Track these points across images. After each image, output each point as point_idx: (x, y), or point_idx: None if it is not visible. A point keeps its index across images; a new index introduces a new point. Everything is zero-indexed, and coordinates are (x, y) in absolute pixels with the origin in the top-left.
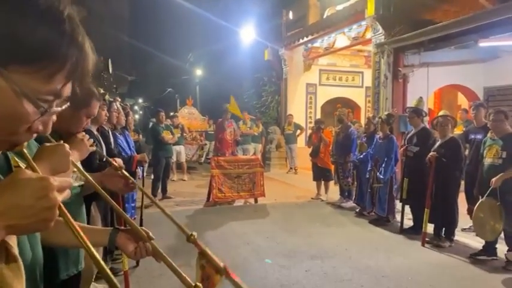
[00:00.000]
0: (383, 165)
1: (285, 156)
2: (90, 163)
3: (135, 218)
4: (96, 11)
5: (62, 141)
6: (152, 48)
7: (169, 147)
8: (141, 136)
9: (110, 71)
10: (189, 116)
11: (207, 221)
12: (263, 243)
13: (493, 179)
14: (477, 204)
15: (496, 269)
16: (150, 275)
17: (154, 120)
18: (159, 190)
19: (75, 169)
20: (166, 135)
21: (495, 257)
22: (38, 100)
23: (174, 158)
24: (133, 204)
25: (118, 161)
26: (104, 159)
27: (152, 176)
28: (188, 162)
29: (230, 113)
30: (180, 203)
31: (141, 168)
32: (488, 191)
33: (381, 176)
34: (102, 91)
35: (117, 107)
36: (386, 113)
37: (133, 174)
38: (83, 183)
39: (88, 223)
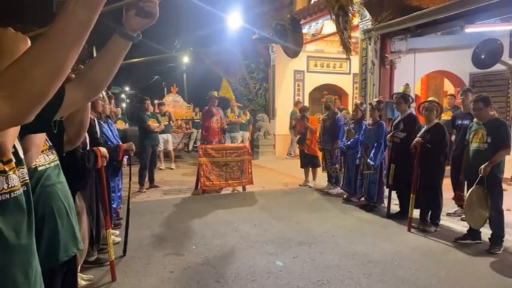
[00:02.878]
0: (373, 151)
1: (273, 143)
2: (73, 151)
3: (120, 207)
4: None
5: None
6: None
7: (155, 136)
8: (127, 124)
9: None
10: (173, 103)
11: (195, 209)
12: (251, 231)
13: (482, 167)
14: (467, 194)
15: (481, 252)
16: (137, 264)
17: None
18: (146, 179)
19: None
20: (152, 124)
21: (479, 241)
22: None
23: (161, 147)
24: (119, 194)
25: (102, 150)
26: (87, 148)
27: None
28: (174, 151)
29: (217, 101)
30: (167, 192)
31: (127, 157)
32: (477, 179)
33: (372, 162)
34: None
35: (103, 96)
36: (376, 99)
37: (119, 163)
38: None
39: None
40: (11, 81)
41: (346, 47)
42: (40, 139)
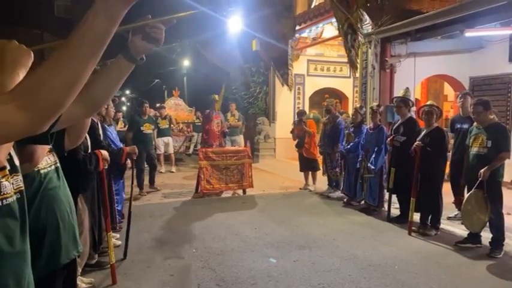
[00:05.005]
0: (373, 156)
1: (273, 147)
2: (75, 154)
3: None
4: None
5: None
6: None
7: (148, 140)
8: (127, 127)
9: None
10: (175, 107)
11: (195, 212)
12: (251, 234)
13: (481, 171)
14: (465, 198)
15: (481, 256)
16: (137, 268)
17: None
18: (146, 182)
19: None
20: (146, 128)
21: (479, 245)
22: None
23: (162, 150)
24: (118, 197)
25: (103, 153)
26: (89, 151)
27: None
28: (175, 154)
29: (218, 104)
30: (168, 195)
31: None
32: (477, 183)
33: (372, 167)
34: None
35: None
36: (376, 103)
37: (122, 166)
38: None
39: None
40: (28, 91)
41: (353, 65)
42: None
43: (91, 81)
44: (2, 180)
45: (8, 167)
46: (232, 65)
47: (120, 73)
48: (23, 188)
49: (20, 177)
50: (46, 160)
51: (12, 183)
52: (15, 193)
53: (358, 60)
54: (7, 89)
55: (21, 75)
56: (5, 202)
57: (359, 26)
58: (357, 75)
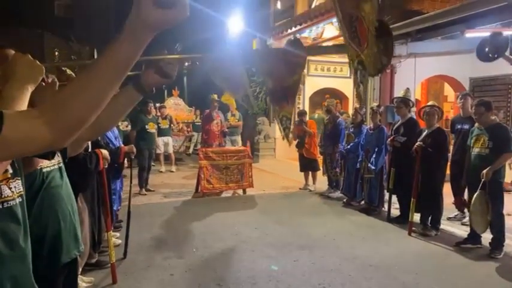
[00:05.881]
0: (374, 156)
1: (273, 147)
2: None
3: (119, 209)
4: None
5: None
6: None
7: (151, 139)
8: (129, 126)
9: None
10: (175, 107)
11: (195, 212)
12: (251, 234)
13: (484, 172)
14: (473, 199)
15: (481, 256)
16: (137, 267)
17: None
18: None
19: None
20: (151, 127)
21: (480, 245)
22: None
23: (162, 149)
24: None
25: (103, 152)
26: (89, 150)
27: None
28: (175, 153)
29: (218, 104)
30: (168, 195)
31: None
32: (480, 185)
33: (373, 167)
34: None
35: None
36: (376, 103)
37: (120, 165)
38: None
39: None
40: (54, 108)
41: (360, 98)
42: None
43: None
44: (1, 183)
45: (11, 171)
46: (239, 91)
47: (128, 102)
48: (23, 193)
49: (22, 181)
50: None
51: (15, 187)
52: (17, 196)
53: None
54: (14, 101)
55: (30, 89)
56: (5, 205)
57: (369, 62)
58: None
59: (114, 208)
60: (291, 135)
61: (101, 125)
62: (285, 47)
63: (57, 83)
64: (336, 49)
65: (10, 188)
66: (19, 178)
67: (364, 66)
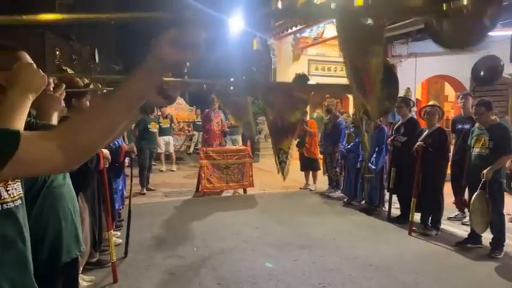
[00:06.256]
0: (374, 156)
1: None
2: None
3: (122, 208)
4: None
5: (35, 113)
6: (140, 37)
7: (153, 138)
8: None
9: (97, 60)
10: (176, 106)
11: (196, 211)
12: (252, 234)
13: (484, 172)
14: (472, 199)
15: (481, 256)
16: (138, 266)
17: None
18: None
19: None
20: (153, 127)
21: (480, 245)
22: None
23: (162, 149)
24: (120, 195)
25: (104, 152)
26: None
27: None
28: (176, 153)
29: (218, 104)
30: (168, 194)
31: (129, 158)
32: (480, 184)
33: (373, 167)
34: (86, 81)
35: None
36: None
37: (121, 164)
38: None
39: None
40: (69, 134)
41: (365, 146)
42: None
43: None
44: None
45: None
46: (243, 118)
47: (128, 121)
48: (23, 195)
49: (21, 184)
50: None
51: (15, 189)
52: (17, 199)
53: None
54: (15, 109)
55: (32, 98)
56: (5, 207)
57: (372, 106)
58: None
59: (116, 207)
60: (286, 169)
61: None
62: (290, 82)
63: (52, 84)
64: (342, 88)
65: (8, 191)
66: (19, 180)
67: (369, 116)
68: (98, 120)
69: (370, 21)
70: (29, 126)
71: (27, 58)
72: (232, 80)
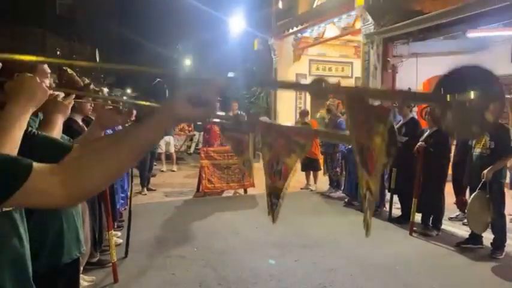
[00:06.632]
0: None
1: None
2: None
3: (125, 209)
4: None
5: (41, 118)
6: (141, 38)
7: None
8: None
9: (98, 60)
10: None
11: (196, 211)
12: (252, 234)
13: (484, 172)
14: (470, 199)
15: (482, 257)
16: (139, 266)
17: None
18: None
19: None
20: None
21: (481, 246)
22: None
23: (163, 149)
24: (123, 195)
25: None
26: None
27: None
28: (177, 153)
29: (218, 104)
30: (169, 194)
31: None
32: (480, 184)
33: None
34: (87, 81)
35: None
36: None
37: None
38: None
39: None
40: (73, 171)
41: (368, 227)
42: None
43: (95, 141)
44: None
45: None
46: (244, 154)
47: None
48: None
49: None
50: None
51: None
52: None
53: (360, 60)
54: (15, 120)
55: (31, 111)
56: (4, 209)
57: (377, 190)
58: (353, 61)
59: (118, 207)
60: (277, 211)
61: None
62: (292, 125)
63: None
64: (342, 138)
65: None
66: None
67: (372, 194)
68: (104, 164)
69: (376, 102)
70: (27, 135)
71: (45, 66)
72: (235, 117)
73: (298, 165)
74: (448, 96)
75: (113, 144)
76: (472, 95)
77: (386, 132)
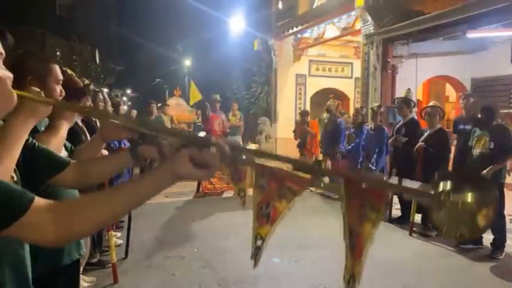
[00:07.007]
0: (374, 156)
1: (274, 147)
2: None
3: None
4: None
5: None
6: (141, 38)
7: (154, 139)
8: None
9: (97, 61)
10: (177, 107)
11: (196, 212)
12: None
13: (483, 172)
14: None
15: (482, 257)
16: (138, 267)
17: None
18: None
19: (61, 154)
20: None
21: (481, 246)
22: None
23: None
24: None
25: (104, 153)
26: None
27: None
28: None
29: (219, 104)
30: (169, 195)
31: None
32: None
33: (373, 167)
34: (86, 81)
35: (104, 97)
36: (376, 104)
37: None
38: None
39: None
40: (68, 212)
41: None
42: (58, 146)
43: (92, 160)
44: None
45: (15, 178)
46: (240, 182)
47: (121, 165)
48: None
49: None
50: None
51: None
52: None
53: (360, 61)
54: (15, 134)
55: (31, 125)
56: None
57: (360, 275)
58: (353, 61)
59: None
60: (259, 256)
61: (90, 177)
62: (288, 171)
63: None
64: (337, 191)
65: None
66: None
67: (354, 279)
68: (98, 211)
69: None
70: (27, 147)
71: (58, 72)
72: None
73: (287, 211)
74: (443, 195)
75: (112, 194)
76: (468, 197)
77: (378, 220)
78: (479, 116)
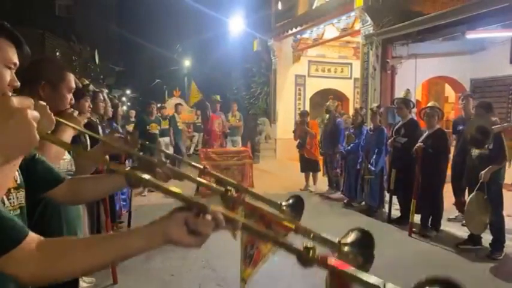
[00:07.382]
0: (374, 157)
1: (274, 147)
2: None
3: (126, 211)
4: None
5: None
6: (140, 39)
7: (153, 140)
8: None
9: (97, 61)
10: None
11: None
12: None
13: (482, 173)
14: (468, 200)
15: (481, 257)
16: (138, 267)
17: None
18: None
19: (65, 157)
20: (153, 128)
21: (480, 246)
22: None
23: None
24: (123, 196)
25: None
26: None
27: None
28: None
29: (219, 105)
30: None
31: (130, 160)
32: (477, 185)
33: (373, 168)
34: (86, 82)
35: (104, 98)
36: (376, 104)
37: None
38: (72, 172)
39: None
40: (53, 253)
41: None
42: (60, 150)
43: (85, 179)
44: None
45: (18, 181)
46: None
47: (115, 187)
48: (24, 205)
49: (23, 194)
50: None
51: (17, 198)
52: (17, 208)
53: (359, 61)
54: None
55: (19, 160)
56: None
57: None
58: (353, 62)
59: (117, 208)
60: None
61: (84, 196)
62: (277, 215)
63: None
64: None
65: (9, 199)
66: (23, 190)
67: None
68: (85, 258)
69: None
70: (29, 156)
71: (72, 80)
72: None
73: (271, 254)
74: None
75: (100, 246)
76: None
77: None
78: (475, 111)
